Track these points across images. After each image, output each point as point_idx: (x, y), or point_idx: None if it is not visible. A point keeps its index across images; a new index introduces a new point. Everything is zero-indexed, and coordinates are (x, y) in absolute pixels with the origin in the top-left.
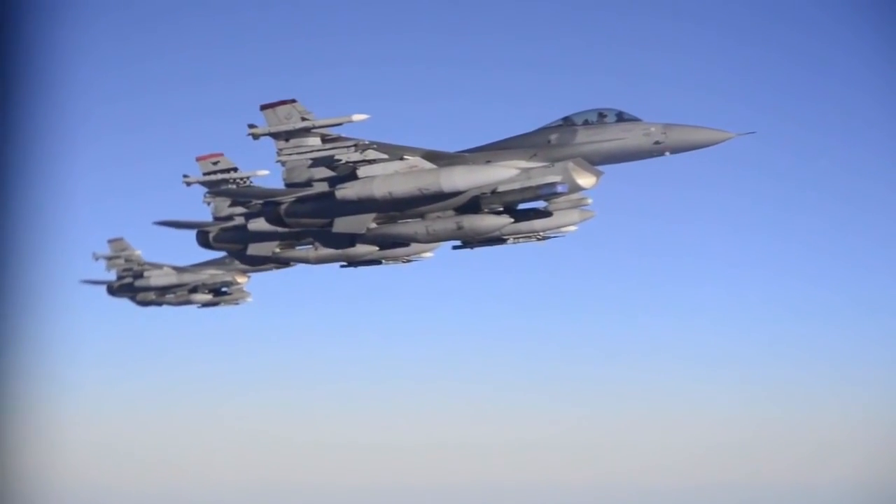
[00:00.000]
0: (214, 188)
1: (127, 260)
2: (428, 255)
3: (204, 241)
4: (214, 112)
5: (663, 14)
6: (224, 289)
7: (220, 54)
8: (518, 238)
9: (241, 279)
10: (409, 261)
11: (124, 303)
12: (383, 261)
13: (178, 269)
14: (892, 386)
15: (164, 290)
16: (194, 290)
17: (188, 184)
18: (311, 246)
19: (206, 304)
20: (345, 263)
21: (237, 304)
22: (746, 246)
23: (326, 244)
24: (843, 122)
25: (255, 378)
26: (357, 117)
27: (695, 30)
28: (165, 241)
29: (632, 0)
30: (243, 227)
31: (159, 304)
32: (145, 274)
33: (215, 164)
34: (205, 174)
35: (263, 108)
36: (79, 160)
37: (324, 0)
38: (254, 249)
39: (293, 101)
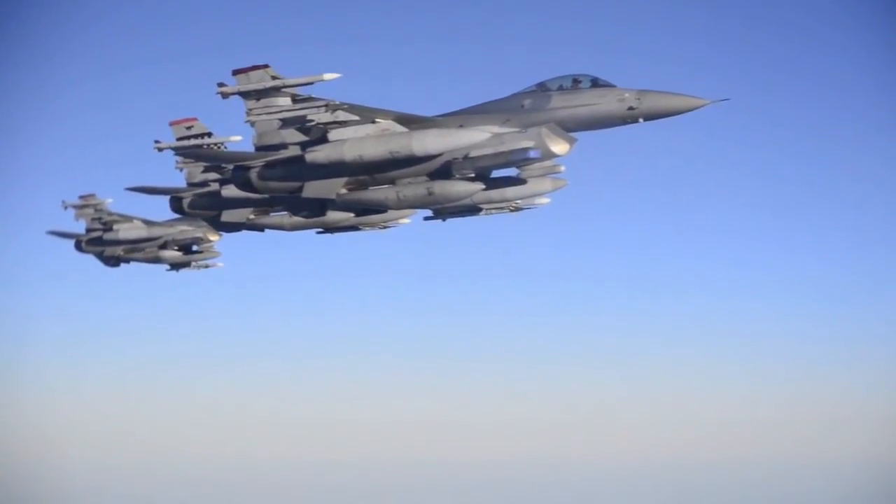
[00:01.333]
0: (186, 151)
1: (96, 210)
2: (405, 220)
3: (178, 207)
4: (191, 81)
5: None
6: (195, 246)
7: (200, 26)
8: (490, 209)
9: (212, 237)
10: (386, 227)
11: (91, 262)
12: (360, 227)
13: (148, 223)
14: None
15: (133, 244)
16: (164, 246)
17: (160, 149)
18: (286, 212)
19: (175, 265)
20: (321, 230)
21: (207, 266)
22: (724, 218)
23: (297, 212)
24: (828, 93)
25: (223, 348)
26: (328, 76)
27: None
28: (139, 209)
29: None
30: (217, 194)
31: (127, 261)
32: (115, 227)
33: (189, 128)
34: (178, 139)
35: (236, 72)
36: (51, 130)
37: None
38: (228, 216)
39: (266, 66)
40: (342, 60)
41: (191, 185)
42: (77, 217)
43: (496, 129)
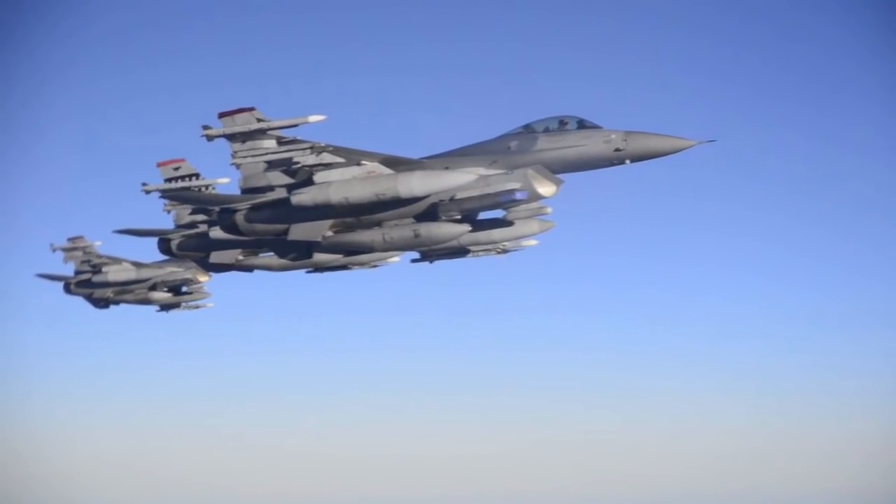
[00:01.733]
0: (172, 194)
1: (85, 252)
2: (395, 259)
3: (166, 248)
4: (182, 124)
5: (634, 18)
6: (184, 287)
7: (187, 65)
8: (478, 251)
9: (202, 278)
10: (375, 266)
11: (80, 304)
12: (349, 266)
13: (137, 265)
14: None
15: (122, 286)
16: (153, 287)
17: (147, 192)
18: (274, 253)
19: (165, 306)
20: (311, 269)
21: (197, 306)
22: (714, 256)
23: (283, 254)
24: (822, 127)
25: (214, 389)
26: (313, 118)
27: (665, 34)
28: (127, 251)
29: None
30: (205, 235)
31: (116, 302)
32: (104, 269)
33: (176, 169)
34: (166, 180)
35: (222, 115)
36: (40, 171)
37: (287, 10)
38: (216, 257)
39: (252, 108)
40: (331, 101)
41: (179, 226)
42: (66, 260)
43: (482, 171)
